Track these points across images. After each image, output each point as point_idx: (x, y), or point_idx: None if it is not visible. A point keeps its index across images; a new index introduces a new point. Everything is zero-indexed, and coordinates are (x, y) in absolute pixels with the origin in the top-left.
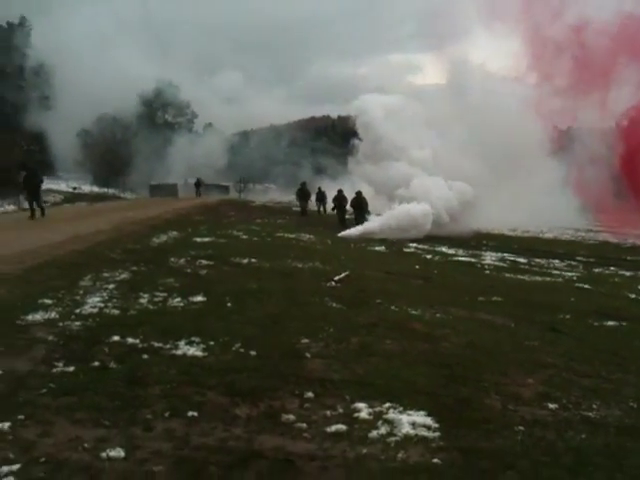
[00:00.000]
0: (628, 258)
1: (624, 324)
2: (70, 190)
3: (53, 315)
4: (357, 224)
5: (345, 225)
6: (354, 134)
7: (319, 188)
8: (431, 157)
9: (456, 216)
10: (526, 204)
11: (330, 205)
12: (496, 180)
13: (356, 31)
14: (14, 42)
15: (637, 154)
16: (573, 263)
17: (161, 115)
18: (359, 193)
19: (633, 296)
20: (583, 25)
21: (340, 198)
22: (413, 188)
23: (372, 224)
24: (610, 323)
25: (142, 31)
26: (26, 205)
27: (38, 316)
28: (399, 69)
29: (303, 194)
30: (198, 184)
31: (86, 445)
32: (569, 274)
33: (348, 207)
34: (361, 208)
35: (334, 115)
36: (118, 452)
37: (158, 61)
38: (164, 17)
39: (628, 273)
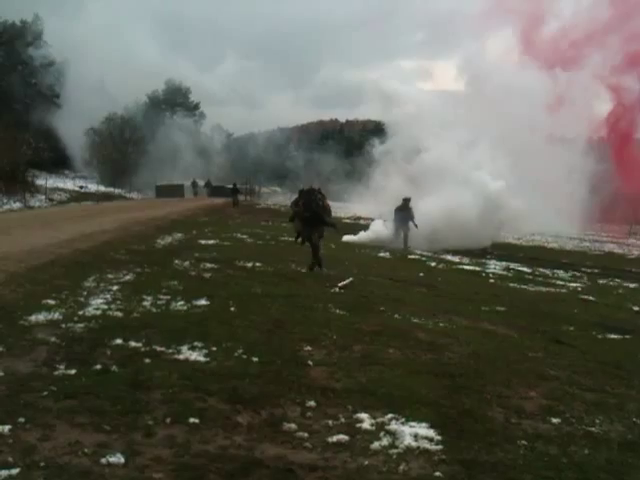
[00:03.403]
0: (633, 270)
1: (627, 337)
2: (77, 189)
3: (56, 316)
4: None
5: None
6: (363, 137)
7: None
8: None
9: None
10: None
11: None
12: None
13: (367, 38)
14: (26, 39)
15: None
16: (577, 274)
17: (170, 115)
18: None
19: (637, 308)
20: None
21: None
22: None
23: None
24: (613, 336)
25: (156, 31)
26: (32, 203)
27: (41, 317)
28: (410, 75)
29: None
30: (236, 190)
31: (86, 450)
32: (573, 285)
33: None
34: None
35: (342, 119)
36: (118, 458)
37: (170, 61)
38: (179, 18)
39: (632, 285)
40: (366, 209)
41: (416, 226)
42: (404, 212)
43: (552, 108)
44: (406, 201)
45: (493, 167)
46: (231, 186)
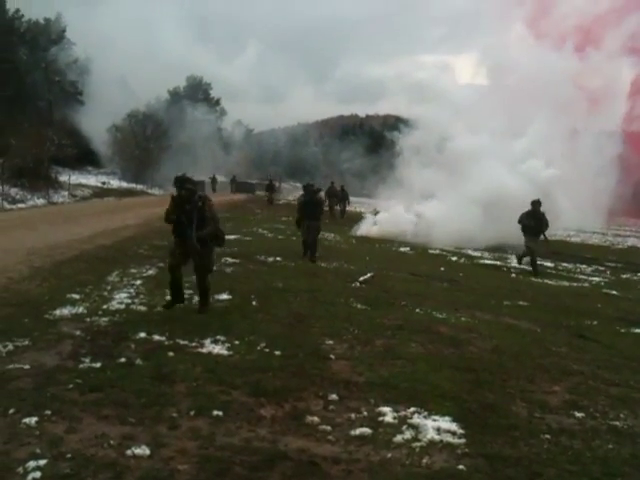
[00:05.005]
0: None
1: None
2: (99, 185)
3: (81, 310)
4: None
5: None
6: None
7: (334, 184)
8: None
9: None
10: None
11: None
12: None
13: (386, 33)
14: (49, 37)
15: None
16: (600, 268)
17: (191, 111)
18: None
19: None
20: None
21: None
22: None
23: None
24: (637, 330)
25: (178, 27)
26: (55, 199)
27: (66, 311)
28: (431, 69)
29: (331, 193)
30: (271, 186)
31: (112, 442)
32: (596, 279)
33: None
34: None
35: (362, 114)
36: (143, 450)
37: (192, 58)
38: (198, 14)
39: None
40: (396, 204)
41: (547, 240)
42: (535, 220)
43: (579, 88)
44: (536, 205)
45: (543, 156)
46: (255, 182)
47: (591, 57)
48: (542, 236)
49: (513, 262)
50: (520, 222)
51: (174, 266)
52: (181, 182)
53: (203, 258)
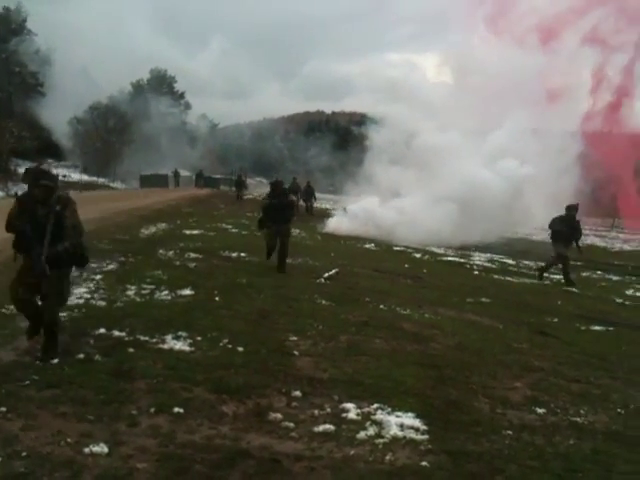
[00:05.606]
0: (615, 262)
1: (611, 329)
2: (60, 178)
3: None
4: None
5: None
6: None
7: (296, 179)
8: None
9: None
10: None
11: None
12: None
13: (353, 31)
14: (9, 27)
15: None
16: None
17: (155, 105)
18: None
19: (620, 301)
20: None
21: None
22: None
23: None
24: (597, 327)
25: (141, 20)
26: (14, 192)
27: None
28: (397, 68)
29: (294, 190)
30: (240, 182)
31: (69, 440)
32: (557, 277)
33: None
34: None
35: (328, 110)
36: (102, 448)
37: (156, 51)
38: (164, 7)
39: (615, 277)
40: (368, 198)
41: (580, 251)
42: (568, 227)
43: (544, 85)
44: (572, 210)
45: (515, 154)
46: (219, 176)
47: (556, 52)
48: (575, 244)
49: (475, 259)
50: (551, 227)
51: (26, 301)
52: (35, 176)
53: (55, 284)
